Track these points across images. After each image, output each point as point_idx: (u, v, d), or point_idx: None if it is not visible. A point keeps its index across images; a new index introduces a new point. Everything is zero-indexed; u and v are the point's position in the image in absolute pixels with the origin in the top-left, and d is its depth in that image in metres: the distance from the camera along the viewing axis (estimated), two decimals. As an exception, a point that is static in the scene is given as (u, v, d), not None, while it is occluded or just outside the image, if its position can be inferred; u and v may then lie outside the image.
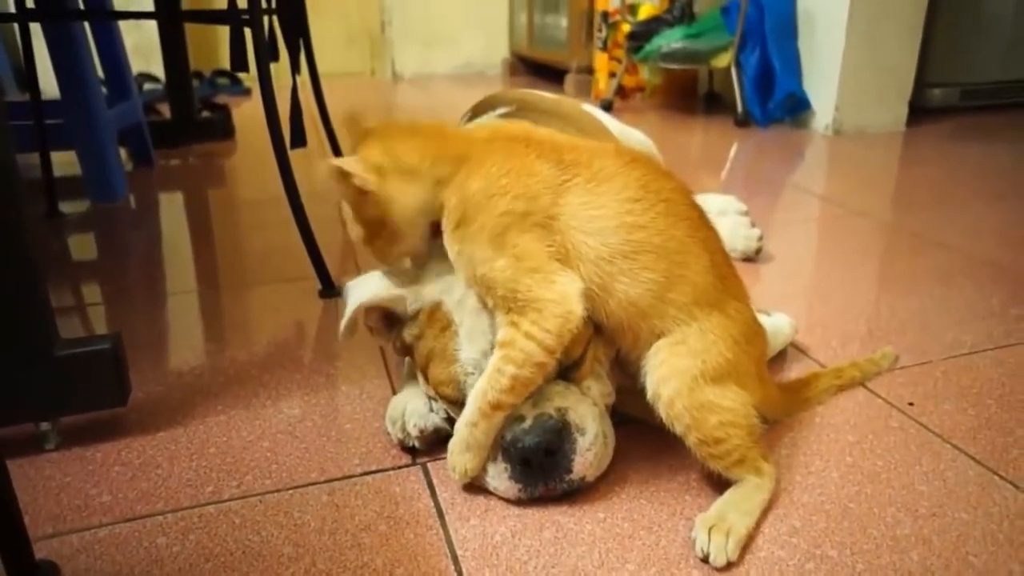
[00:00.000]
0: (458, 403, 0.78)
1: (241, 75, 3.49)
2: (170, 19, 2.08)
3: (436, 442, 0.85)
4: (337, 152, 1.85)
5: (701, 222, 0.79)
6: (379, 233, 0.78)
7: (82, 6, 1.86)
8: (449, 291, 0.79)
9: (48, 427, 0.85)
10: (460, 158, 0.75)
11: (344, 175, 0.75)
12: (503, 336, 0.72)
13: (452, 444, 0.77)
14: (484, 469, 0.76)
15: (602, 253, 0.72)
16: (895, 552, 0.70)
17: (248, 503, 0.77)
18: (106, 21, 1.93)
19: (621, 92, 3.13)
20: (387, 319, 0.85)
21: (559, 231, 0.72)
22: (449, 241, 0.75)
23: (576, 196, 0.73)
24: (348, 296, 0.85)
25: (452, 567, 0.68)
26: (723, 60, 2.70)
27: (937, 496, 0.77)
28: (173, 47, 2.31)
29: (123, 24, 2.04)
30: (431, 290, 0.80)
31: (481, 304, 0.76)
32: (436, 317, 0.79)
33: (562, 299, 0.71)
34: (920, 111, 2.72)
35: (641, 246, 0.73)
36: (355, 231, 0.80)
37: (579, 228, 0.72)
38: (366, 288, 0.83)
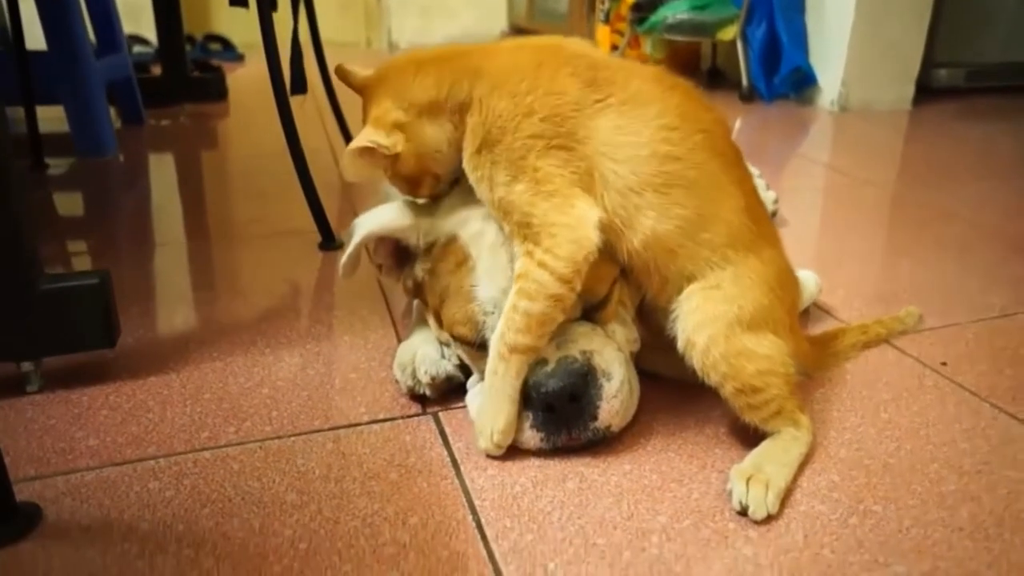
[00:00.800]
0: (474, 344, 0.72)
1: (235, 40, 3.40)
2: None
3: (448, 391, 0.79)
4: (336, 111, 1.79)
5: (737, 159, 0.74)
6: (422, 180, 0.74)
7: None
8: (465, 224, 0.73)
9: (31, 368, 0.79)
10: (475, 72, 0.69)
11: (367, 152, 0.70)
12: (518, 268, 0.67)
13: (477, 406, 0.71)
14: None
15: (631, 183, 0.66)
16: (943, 508, 0.65)
17: (247, 449, 0.72)
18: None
19: (623, 66, 3.07)
20: (397, 255, 0.80)
21: (585, 156, 0.67)
22: (469, 165, 0.69)
23: (608, 119, 0.67)
24: (355, 229, 0.79)
25: (470, 516, 0.63)
26: (729, 33, 2.64)
27: (981, 454, 0.73)
28: (165, 3, 2.23)
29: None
30: (446, 223, 0.74)
31: (501, 238, 0.71)
32: (451, 251, 0.73)
33: (577, 223, 0.65)
34: (926, 91, 2.68)
35: (674, 179, 0.67)
36: (395, 184, 0.76)
37: (608, 155, 0.67)
38: (375, 218, 0.77)
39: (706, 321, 0.68)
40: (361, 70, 0.76)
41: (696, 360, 0.68)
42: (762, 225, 0.73)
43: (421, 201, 0.78)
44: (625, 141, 0.67)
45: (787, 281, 0.75)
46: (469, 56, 0.71)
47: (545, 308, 0.66)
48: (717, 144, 0.71)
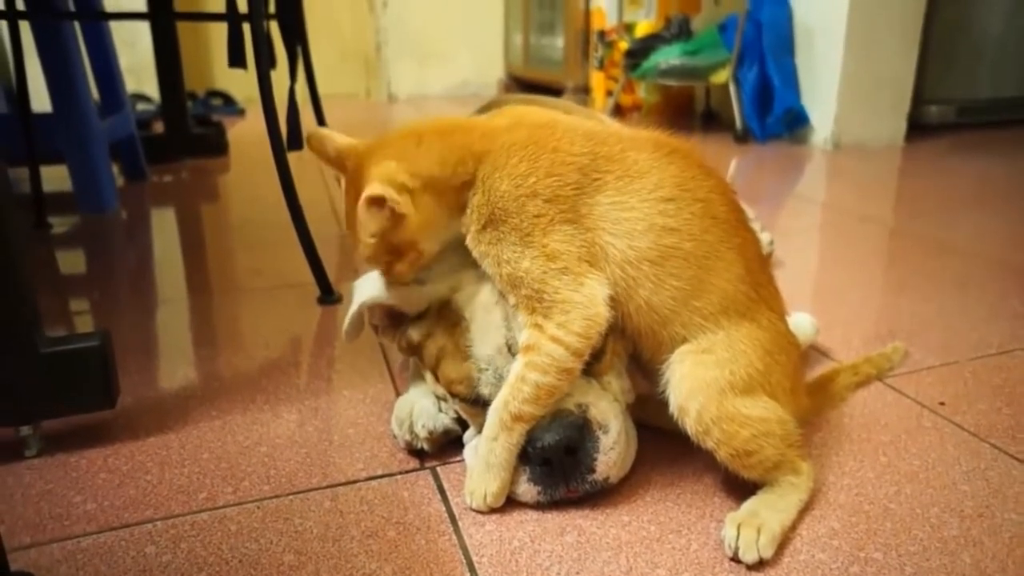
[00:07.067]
0: (470, 401, 0.73)
1: (235, 95, 3.47)
2: (163, 18, 2.05)
3: (445, 445, 0.80)
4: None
5: (739, 225, 0.73)
6: (406, 254, 0.71)
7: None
8: (458, 287, 0.74)
9: (29, 431, 0.79)
10: (481, 154, 0.69)
11: (378, 203, 0.66)
12: (526, 340, 0.67)
13: (471, 467, 0.72)
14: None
15: (628, 256, 0.67)
16: (944, 554, 0.65)
17: (245, 509, 0.72)
18: (97, 20, 1.89)
19: (618, 111, 3.12)
20: (392, 316, 0.80)
21: (588, 228, 0.67)
22: (473, 241, 0.69)
23: (607, 196, 0.68)
24: (353, 294, 0.80)
25: (468, 574, 0.63)
26: (721, 76, 2.69)
27: (982, 496, 0.73)
28: (167, 61, 2.28)
29: (116, 44, 2.01)
30: (438, 288, 0.75)
31: (494, 299, 0.72)
32: (445, 314, 0.74)
33: (590, 301, 0.66)
34: (918, 127, 2.72)
35: (670, 251, 0.67)
36: (372, 258, 0.72)
37: (607, 229, 0.67)
38: (371, 286, 0.78)
39: (697, 388, 0.67)
40: (339, 136, 0.74)
41: (689, 427, 0.68)
42: (763, 289, 0.72)
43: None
44: (622, 217, 0.68)
45: (787, 343, 0.74)
46: (469, 134, 0.70)
47: (556, 381, 0.67)
48: (717, 211, 0.71)
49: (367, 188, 0.67)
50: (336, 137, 0.74)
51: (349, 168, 0.73)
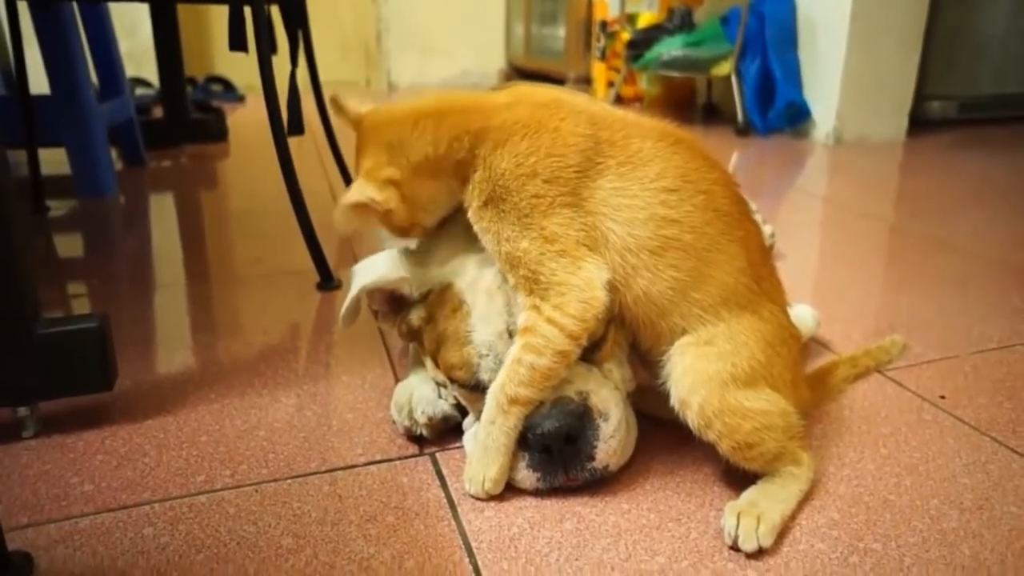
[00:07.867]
0: (470, 387, 0.72)
1: (235, 81, 3.45)
2: (164, 1, 2.04)
3: (445, 431, 0.79)
4: (336, 151, 1.80)
5: (742, 218, 0.72)
6: (411, 230, 0.75)
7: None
8: (460, 272, 0.74)
9: (26, 413, 0.79)
10: (480, 132, 0.69)
11: (360, 207, 0.70)
12: (523, 322, 0.67)
13: (470, 453, 0.72)
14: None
15: (628, 244, 0.67)
16: (944, 546, 0.65)
17: (243, 493, 0.71)
18: (96, 3, 1.88)
19: (619, 102, 3.11)
20: (392, 302, 0.80)
21: (589, 212, 0.67)
22: (475, 217, 0.70)
23: (608, 180, 0.67)
24: (353, 279, 0.80)
25: (467, 559, 0.63)
26: (723, 69, 2.68)
27: (982, 489, 0.72)
28: (167, 46, 2.27)
29: (116, 30, 2.00)
30: (440, 272, 0.75)
31: (496, 284, 0.72)
32: (446, 299, 0.74)
33: (587, 285, 0.66)
34: (920, 123, 2.71)
35: (670, 242, 0.67)
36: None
37: (608, 215, 0.67)
38: (371, 271, 0.78)
39: (700, 382, 0.67)
40: (356, 104, 0.76)
41: (692, 420, 0.67)
42: (765, 282, 0.72)
43: (414, 245, 0.79)
44: (623, 203, 0.67)
45: (788, 336, 0.73)
46: (468, 113, 0.70)
47: (551, 363, 0.66)
48: (720, 204, 0.70)
49: (349, 192, 0.71)
50: (350, 104, 0.77)
51: (358, 135, 0.75)
